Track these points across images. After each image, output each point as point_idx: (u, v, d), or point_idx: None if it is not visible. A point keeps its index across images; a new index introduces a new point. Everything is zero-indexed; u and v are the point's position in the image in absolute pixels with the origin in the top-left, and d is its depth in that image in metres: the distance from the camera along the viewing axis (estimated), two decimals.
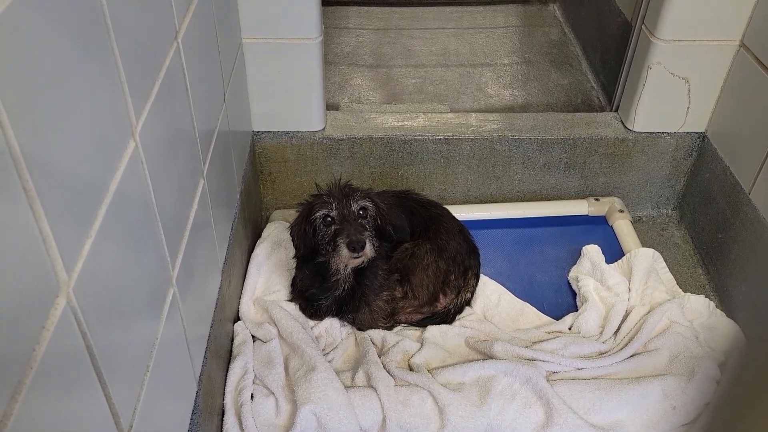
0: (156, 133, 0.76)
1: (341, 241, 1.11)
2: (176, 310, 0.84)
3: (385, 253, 1.28)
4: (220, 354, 1.12)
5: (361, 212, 1.15)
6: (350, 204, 1.13)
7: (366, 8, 2.38)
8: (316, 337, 1.24)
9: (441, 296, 1.28)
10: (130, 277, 0.68)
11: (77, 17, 0.55)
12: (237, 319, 1.25)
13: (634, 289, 1.32)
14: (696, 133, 1.47)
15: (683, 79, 1.39)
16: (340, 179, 1.17)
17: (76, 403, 0.55)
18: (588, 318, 1.28)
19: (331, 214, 1.13)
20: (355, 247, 1.10)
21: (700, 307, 1.32)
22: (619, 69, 1.58)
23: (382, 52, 2.13)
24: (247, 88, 1.36)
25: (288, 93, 1.38)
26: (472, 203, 1.55)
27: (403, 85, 1.96)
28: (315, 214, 1.13)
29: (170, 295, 0.82)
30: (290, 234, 1.21)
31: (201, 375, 0.97)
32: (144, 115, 0.72)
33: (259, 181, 1.50)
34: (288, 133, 1.43)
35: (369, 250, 1.12)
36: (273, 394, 1.12)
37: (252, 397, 1.11)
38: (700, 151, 1.49)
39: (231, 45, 1.21)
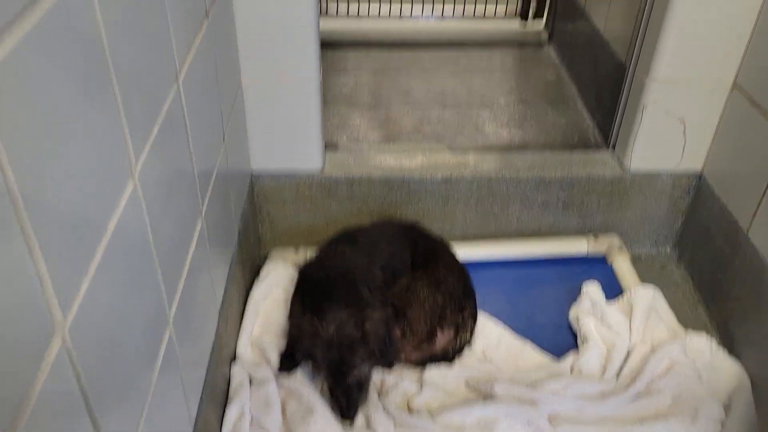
0: (155, 173, 0.76)
1: (334, 405, 1.14)
2: (173, 352, 0.83)
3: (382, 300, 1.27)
4: (217, 397, 1.11)
5: (356, 381, 1.13)
6: (347, 375, 1.11)
7: (365, 51, 2.42)
8: (314, 378, 1.22)
9: (439, 332, 1.27)
10: (127, 318, 0.67)
11: (80, 60, 0.56)
12: (234, 360, 1.24)
13: (635, 327, 1.31)
14: (692, 172, 1.48)
15: (678, 118, 1.41)
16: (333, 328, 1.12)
17: None
18: (589, 358, 1.26)
19: (328, 379, 1.13)
20: (345, 417, 1.13)
21: (701, 346, 1.30)
22: (614, 108, 1.60)
23: (380, 93, 2.16)
24: (246, 128, 1.37)
25: (287, 133, 1.39)
26: (471, 241, 1.55)
27: (401, 125, 1.98)
28: (313, 372, 1.15)
29: (167, 336, 0.81)
30: (280, 358, 1.22)
31: (197, 419, 0.95)
32: (143, 155, 0.72)
33: (257, 221, 1.50)
34: (287, 173, 1.44)
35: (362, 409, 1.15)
36: None
37: None
38: (697, 190, 1.49)
39: (231, 86, 1.22)
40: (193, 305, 0.93)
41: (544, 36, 2.49)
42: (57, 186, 0.52)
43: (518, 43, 2.48)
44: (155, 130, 0.76)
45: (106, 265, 0.61)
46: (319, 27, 1.29)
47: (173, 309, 0.83)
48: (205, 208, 1.01)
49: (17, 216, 0.46)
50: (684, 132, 1.42)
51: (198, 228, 0.97)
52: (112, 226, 0.63)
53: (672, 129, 1.42)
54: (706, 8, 1.27)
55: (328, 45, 2.41)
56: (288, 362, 1.20)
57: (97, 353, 0.60)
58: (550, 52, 2.40)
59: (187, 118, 0.90)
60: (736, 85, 1.34)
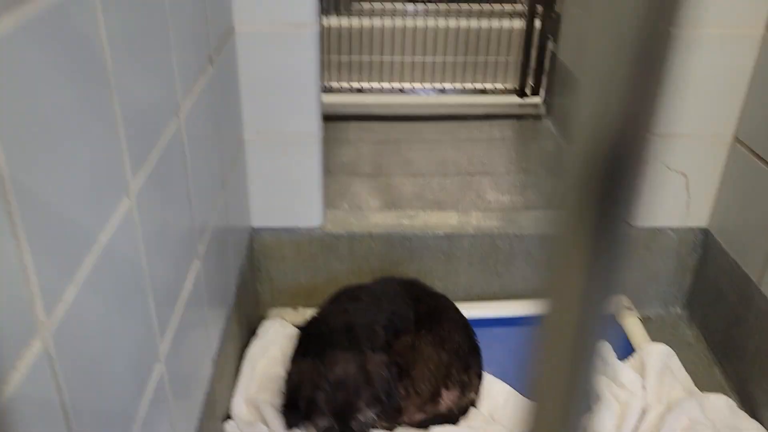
0: (152, 198, 0.74)
1: None
2: (163, 388, 0.78)
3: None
4: None
5: (363, 424, 1.09)
6: (352, 422, 1.07)
7: (366, 124, 2.46)
8: None
9: (443, 391, 1.21)
10: (116, 341, 0.64)
11: (81, 65, 0.56)
12: (228, 418, 1.17)
13: (650, 386, 1.25)
14: (698, 228, 1.46)
15: (680, 173, 1.40)
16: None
17: None
18: (603, 418, 1.20)
19: (334, 428, 1.08)
20: None
21: (721, 406, 1.24)
22: None
23: (381, 162, 2.18)
24: (246, 182, 1.37)
25: (288, 189, 1.38)
26: (475, 300, 1.51)
27: (402, 192, 1.98)
28: (315, 421, 1.08)
29: (157, 371, 0.76)
30: (281, 412, 1.16)
31: None
32: (141, 178, 0.71)
33: (256, 279, 1.47)
34: (287, 229, 1.42)
35: None
36: None
37: None
38: (705, 246, 1.47)
39: (232, 137, 1.23)
40: (186, 346, 0.89)
41: (542, 109, 2.54)
42: (49, 182, 0.51)
43: (517, 116, 2.53)
44: (154, 155, 0.75)
45: (95, 277, 0.58)
46: (320, 82, 1.32)
47: (165, 343, 0.79)
48: (202, 250, 0.98)
49: (5, 203, 0.45)
50: (687, 187, 1.42)
51: (194, 268, 0.94)
52: (104, 238, 0.61)
53: (675, 185, 1.42)
54: (701, 62, 1.29)
55: (330, 118, 2.46)
56: (292, 416, 1.13)
57: (81, 367, 0.56)
58: (549, 124, 2.45)
59: (188, 155, 0.89)
60: (736, 138, 1.35)
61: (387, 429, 1.19)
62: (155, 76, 0.77)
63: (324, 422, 1.07)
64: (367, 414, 1.07)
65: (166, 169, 0.80)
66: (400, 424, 1.21)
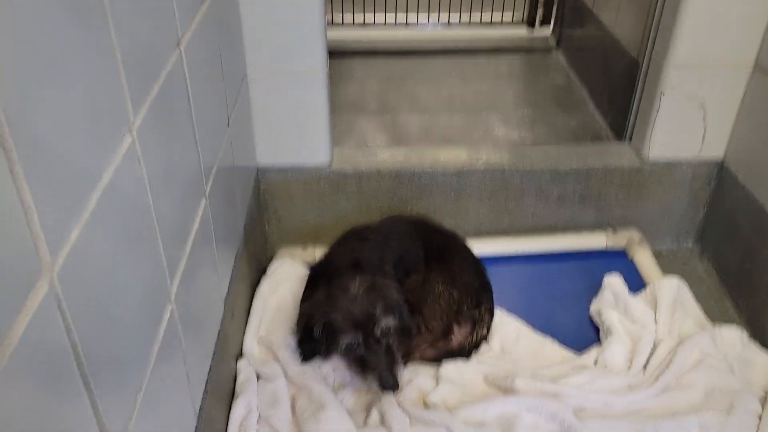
0: (155, 135, 0.72)
1: (371, 376, 1.07)
2: (174, 329, 0.77)
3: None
4: (222, 392, 1.05)
5: (385, 331, 1.07)
6: (374, 329, 1.06)
7: (371, 59, 2.40)
8: (324, 377, 1.16)
9: (455, 327, 1.21)
10: (125, 282, 0.62)
11: None
12: (240, 356, 1.18)
13: (661, 320, 1.25)
14: (713, 161, 1.43)
15: (698, 104, 1.36)
16: (358, 287, 1.09)
17: (57, 404, 0.49)
18: (614, 351, 1.20)
19: (356, 341, 1.06)
20: (389, 388, 1.06)
21: (732, 338, 1.24)
22: (628, 104, 1.56)
23: (387, 98, 2.13)
24: (252, 121, 1.33)
25: (294, 126, 1.35)
26: (485, 237, 1.49)
27: (410, 129, 1.94)
28: (337, 341, 1.06)
29: (168, 311, 0.75)
30: (297, 345, 1.15)
31: (201, 409, 0.89)
32: (142, 113, 0.68)
33: (264, 219, 1.45)
34: (294, 167, 1.40)
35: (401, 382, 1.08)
36: None
37: None
38: (719, 179, 1.44)
39: (236, 73, 1.19)
40: (196, 286, 0.88)
41: (552, 42, 2.47)
42: (47, 119, 0.48)
43: (526, 50, 2.46)
44: (155, 89, 0.72)
45: (100, 215, 0.56)
46: (325, 14, 1.26)
47: (175, 284, 0.78)
48: (209, 188, 0.96)
49: (2, 140, 0.42)
50: (704, 118, 1.38)
51: (202, 207, 0.92)
52: (107, 176, 0.58)
53: (691, 116, 1.38)
54: None
55: (335, 54, 2.39)
56: (308, 348, 1.13)
57: (91, 311, 0.55)
58: (559, 57, 2.38)
59: (190, 88, 0.86)
60: (757, 66, 1.30)
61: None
62: (153, 6, 0.73)
63: (346, 338, 1.06)
64: (387, 321, 1.06)
65: (168, 104, 0.77)
66: (412, 361, 1.22)
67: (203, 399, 0.91)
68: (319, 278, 1.22)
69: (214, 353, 0.98)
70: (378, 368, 1.06)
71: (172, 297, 0.77)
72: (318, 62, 1.29)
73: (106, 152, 0.59)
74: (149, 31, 0.71)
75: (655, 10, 1.39)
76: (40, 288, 0.47)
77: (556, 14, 2.47)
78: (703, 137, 1.40)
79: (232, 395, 1.10)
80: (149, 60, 0.71)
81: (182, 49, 0.83)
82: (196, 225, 0.89)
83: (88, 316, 0.54)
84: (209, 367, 0.96)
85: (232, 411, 1.05)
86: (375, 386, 1.08)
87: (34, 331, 0.45)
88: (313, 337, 1.09)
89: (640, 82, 1.47)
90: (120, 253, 0.61)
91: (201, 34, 0.93)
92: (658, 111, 1.38)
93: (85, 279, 0.54)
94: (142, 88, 0.68)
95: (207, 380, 0.94)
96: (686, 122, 1.39)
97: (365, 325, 1.05)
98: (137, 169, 0.66)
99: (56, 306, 0.49)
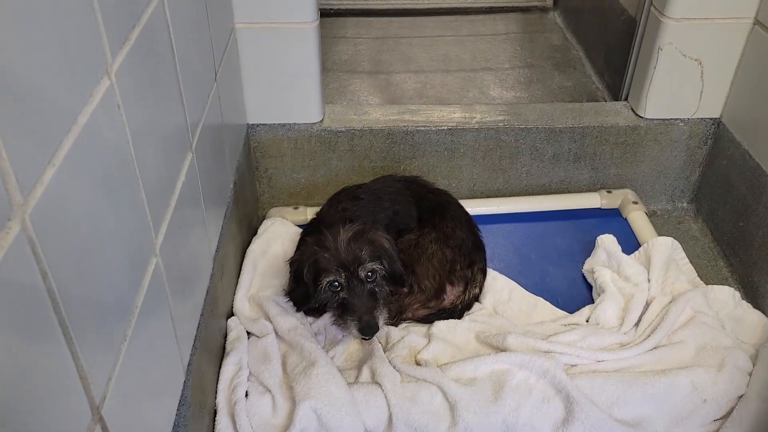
0: (135, 81, 0.69)
1: (351, 320, 1.06)
2: (160, 281, 0.76)
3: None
4: (212, 349, 1.04)
5: (370, 275, 1.07)
6: (358, 270, 1.05)
7: (364, 19, 2.35)
8: (315, 335, 1.16)
9: (448, 287, 1.21)
10: (105, 229, 0.61)
11: None
12: (231, 315, 1.17)
13: (654, 278, 1.24)
14: (710, 118, 1.41)
15: (696, 60, 1.34)
16: (344, 231, 1.08)
17: (34, 349, 0.48)
18: (606, 309, 1.19)
19: (339, 281, 1.05)
20: (368, 332, 1.05)
21: (725, 297, 1.23)
22: (625, 63, 1.53)
23: (380, 59, 2.09)
24: (241, 76, 1.30)
25: (284, 82, 1.32)
26: (479, 198, 1.48)
27: (403, 90, 1.91)
28: (321, 280, 1.05)
29: (153, 263, 0.74)
30: (289, 294, 1.14)
31: (189, 365, 0.89)
32: (121, 56, 0.66)
33: (254, 178, 1.43)
34: (284, 125, 1.37)
35: (382, 329, 1.08)
36: (269, 391, 1.03)
37: (246, 394, 1.02)
38: (716, 137, 1.42)
39: (223, 27, 1.16)
40: (183, 240, 0.87)
41: (549, 2, 2.42)
42: (15, 50, 0.46)
43: (522, 9, 2.41)
44: (136, 32, 0.70)
45: (76, 159, 0.54)
46: None
47: (160, 236, 0.77)
48: (195, 142, 0.94)
49: None
50: (701, 75, 1.35)
51: (188, 160, 0.90)
52: (83, 118, 0.56)
53: (689, 73, 1.35)
54: None
55: (327, 14, 2.34)
56: (299, 293, 1.11)
57: (68, 254, 0.53)
58: (555, 17, 2.33)
59: (173, 36, 0.83)
60: (757, 21, 1.27)
61: (391, 325, 1.19)
62: None
63: (329, 276, 1.05)
64: (373, 265, 1.06)
65: (149, 50, 0.74)
66: (404, 320, 1.21)
67: (192, 355, 0.91)
68: (310, 237, 1.21)
69: (203, 310, 0.97)
70: (359, 311, 1.04)
71: (157, 249, 0.76)
72: (308, 15, 1.25)
73: (81, 92, 0.57)
74: None
75: None
76: (12, 229, 0.45)
77: None
78: (701, 95, 1.38)
79: (222, 353, 1.10)
80: (128, 1, 0.68)
81: None
82: (182, 178, 0.87)
83: (66, 261, 0.52)
84: (198, 323, 0.95)
85: (222, 368, 1.05)
86: (355, 332, 1.06)
87: (5, 272, 0.44)
88: (304, 283, 1.08)
89: (637, 40, 1.44)
90: (99, 199, 0.60)
91: None
92: (655, 68, 1.35)
93: (60, 223, 0.52)
94: (120, 30, 0.66)
95: (196, 336, 0.93)
96: (684, 80, 1.36)
97: (350, 264, 1.05)
98: (117, 115, 0.64)
99: (30, 249, 0.47)
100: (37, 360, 0.48)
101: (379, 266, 1.07)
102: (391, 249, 1.10)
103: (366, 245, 1.06)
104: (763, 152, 1.25)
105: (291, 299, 1.14)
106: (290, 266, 1.13)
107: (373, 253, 1.07)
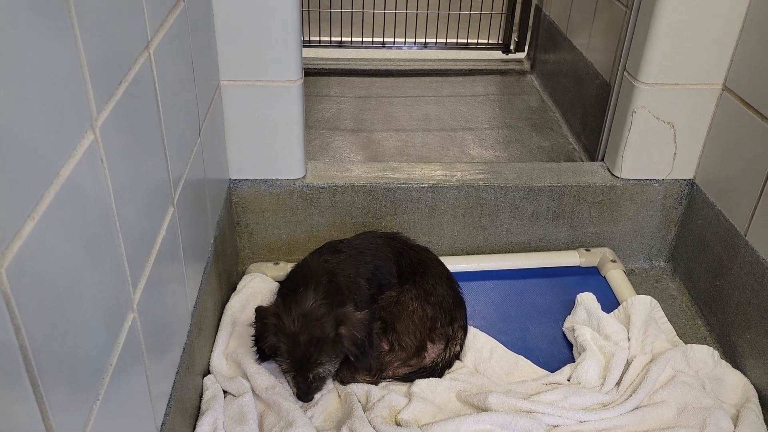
0: (119, 136, 0.70)
1: (293, 384, 1.11)
2: (136, 338, 0.74)
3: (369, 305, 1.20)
4: (187, 408, 1.01)
5: (320, 372, 1.08)
6: (309, 370, 1.07)
7: (347, 78, 2.40)
8: (293, 394, 1.13)
9: (429, 345, 1.19)
10: (82, 285, 0.60)
11: None
12: (207, 373, 1.14)
13: (634, 337, 1.24)
14: (684, 179, 1.45)
15: (668, 123, 1.38)
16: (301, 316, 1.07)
17: (3, 405, 0.46)
18: (587, 368, 1.19)
19: (290, 369, 1.09)
20: (304, 400, 1.10)
21: (704, 356, 1.24)
22: (601, 124, 1.58)
23: (363, 117, 2.13)
24: (224, 132, 1.32)
25: (267, 139, 1.33)
26: (459, 255, 1.48)
27: (385, 147, 1.94)
28: (275, 356, 1.10)
29: (129, 319, 0.73)
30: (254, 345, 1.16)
31: (163, 425, 0.86)
32: (106, 111, 0.66)
33: (235, 233, 1.43)
34: (267, 180, 1.38)
35: (320, 394, 1.12)
36: None
37: None
38: (690, 198, 1.45)
39: (208, 82, 1.17)
40: (161, 297, 0.85)
41: (527, 65, 2.50)
42: (1, 107, 0.46)
43: (500, 72, 2.48)
44: (122, 88, 0.70)
45: (56, 213, 0.54)
46: (301, 27, 1.26)
47: (138, 292, 0.76)
48: (177, 197, 0.94)
49: None
50: (674, 138, 1.39)
51: (169, 215, 0.90)
52: (66, 172, 0.56)
53: (662, 135, 1.39)
54: (692, 10, 1.26)
55: (311, 73, 2.39)
56: (263, 352, 1.14)
57: (45, 310, 0.52)
58: (533, 80, 2.40)
59: (159, 93, 0.84)
60: (726, 87, 1.32)
61: (371, 383, 1.17)
62: (120, 6, 0.71)
63: (285, 366, 1.09)
64: (329, 366, 1.08)
65: (135, 106, 0.75)
66: (384, 378, 1.19)
67: (166, 415, 0.88)
68: (288, 283, 1.20)
69: (178, 368, 0.95)
70: (301, 389, 1.09)
71: (135, 305, 0.74)
72: (293, 74, 1.28)
73: (65, 146, 0.57)
74: (116, 28, 0.69)
75: (626, 32, 1.41)
76: None
77: (531, 38, 2.51)
78: (674, 156, 1.41)
79: (197, 412, 1.07)
80: (115, 58, 0.69)
81: (151, 51, 0.81)
82: (163, 233, 0.86)
83: (40, 317, 0.51)
84: (173, 381, 0.93)
85: (197, 429, 1.02)
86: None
87: None
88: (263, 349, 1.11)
89: (612, 103, 1.49)
90: (78, 254, 0.59)
91: (172, 39, 0.91)
92: (629, 130, 1.39)
93: (37, 278, 0.51)
94: (107, 86, 0.66)
95: (170, 395, 0.91)
96: (657, 142, 1.40)
97: (303, 362, 1.06)
98: (100, 170, 0.64)
99: (4, 303, 0.46)
100: (5, 413, 0.47)
101: (333, 365, 1.09)
102: (360, 334, 1.09)
103: (330, 344, 1.06)
104: (736, 213, 1.28)
105: (257, 350, 1.15)
106: (255, 318, 1.12)
107: (334, 351, 1.07)
